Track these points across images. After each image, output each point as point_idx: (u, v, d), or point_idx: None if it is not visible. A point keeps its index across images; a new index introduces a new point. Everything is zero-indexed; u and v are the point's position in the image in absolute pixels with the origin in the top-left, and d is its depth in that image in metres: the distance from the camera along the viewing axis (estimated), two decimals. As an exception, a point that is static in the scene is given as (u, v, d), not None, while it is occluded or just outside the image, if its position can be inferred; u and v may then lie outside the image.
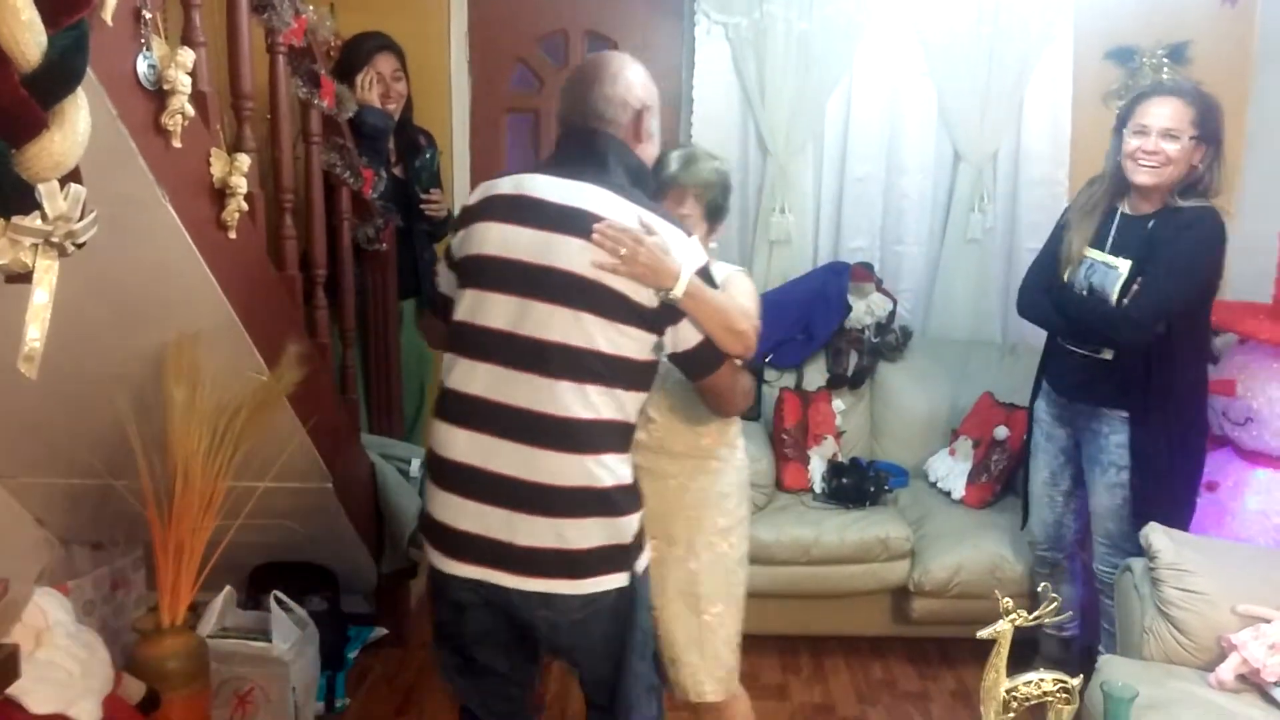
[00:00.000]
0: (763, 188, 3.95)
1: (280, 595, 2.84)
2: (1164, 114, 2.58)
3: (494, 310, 1.83)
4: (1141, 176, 2.62)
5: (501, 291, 1.83)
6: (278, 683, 2.71)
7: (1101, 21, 3.81)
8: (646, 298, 1.80)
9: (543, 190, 1.85)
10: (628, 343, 1.82)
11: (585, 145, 1.90)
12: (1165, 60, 3.81)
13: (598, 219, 1.79)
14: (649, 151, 1.99)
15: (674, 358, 1.92)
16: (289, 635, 2.76)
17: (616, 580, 1.87)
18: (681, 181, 2.12)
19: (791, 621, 3.41)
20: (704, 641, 2.23)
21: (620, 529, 1.86)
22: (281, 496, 2.59)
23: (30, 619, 2.10)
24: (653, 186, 2.02)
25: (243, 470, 2.40)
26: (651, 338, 1.85)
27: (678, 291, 1.80)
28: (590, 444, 1.82)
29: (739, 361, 1.98)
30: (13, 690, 1.93)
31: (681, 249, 1.84)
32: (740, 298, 2.03)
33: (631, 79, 1.93)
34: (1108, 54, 3.86)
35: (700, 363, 1.92)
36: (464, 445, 1.85)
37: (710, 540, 2.22)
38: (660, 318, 1.84)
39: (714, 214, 2.17)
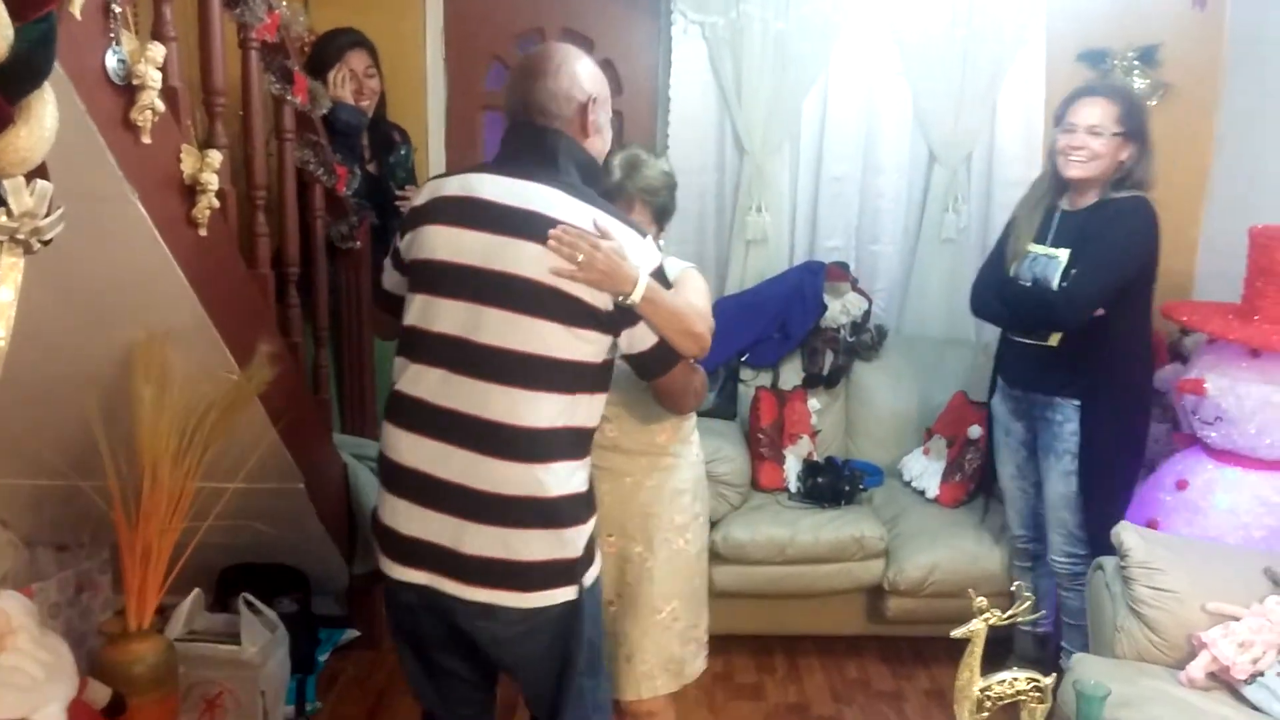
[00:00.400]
0: (739, 187, 3.95)
1: (249, 598, 2.81)
2: (1089, 112, 2.76)
3: (445, 316, 1.80)
4: (1071, 170, 2.79)
5: (452, 297, 1.79)
6: (247, 686, 2.68)
7: (1073, 24, 3.84)
8: (604, 302, 1.77)
9: (491, 191, 1.81)
10: (585, 347, 1.79)
11: (533, 142, 1.86)
12: (1136, 63, 3.85)
13: (552, 222, 1.75)
14: (598, 146, 1.94)
15: (629, 358, 1.91)
16: (258, 638, 2.72)
17: (563, 594, 1.83)
18: (628, 189, 2.11)
19: (766, 621, 3.42)
20: (659, 638, 2.23)
21: (567, 542, 1.82)
22: (252, 497, 2.55)
23: (-7, 623, 2.07)
24: (600, 180, 1.99)
25: (212, 470, 2.36)
26: (608, 339, 1.82)
27: (635, 296, 1.77)
28: (540, 452, 1.78)
29: (693, 360, 1.99)
30: (-25, 696, 1.89)
31: (637, 251, 1.81)
32: (693, 296, 2.02)
33: (576, 71, 1.88)
34: (1079, 56, 3.88)
35: (655, 363, 1.91)
36: (413, 450, 1.83)
37: (667, 537, 2.22)
38: (617, 321, 1.81)
39: (662, 215, 2.19)
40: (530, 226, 1.76)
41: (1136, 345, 2.87)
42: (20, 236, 1.38)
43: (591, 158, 1.92)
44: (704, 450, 3.25)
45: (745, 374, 3.83)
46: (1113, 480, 2.88)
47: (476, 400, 1.77)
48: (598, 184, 1.95)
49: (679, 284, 2.00)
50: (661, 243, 2.17)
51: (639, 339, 1.86)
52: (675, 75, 3.92)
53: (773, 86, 3.84)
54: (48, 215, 1.41)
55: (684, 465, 2.25)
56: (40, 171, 1.41)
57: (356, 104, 3.30)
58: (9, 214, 1.36)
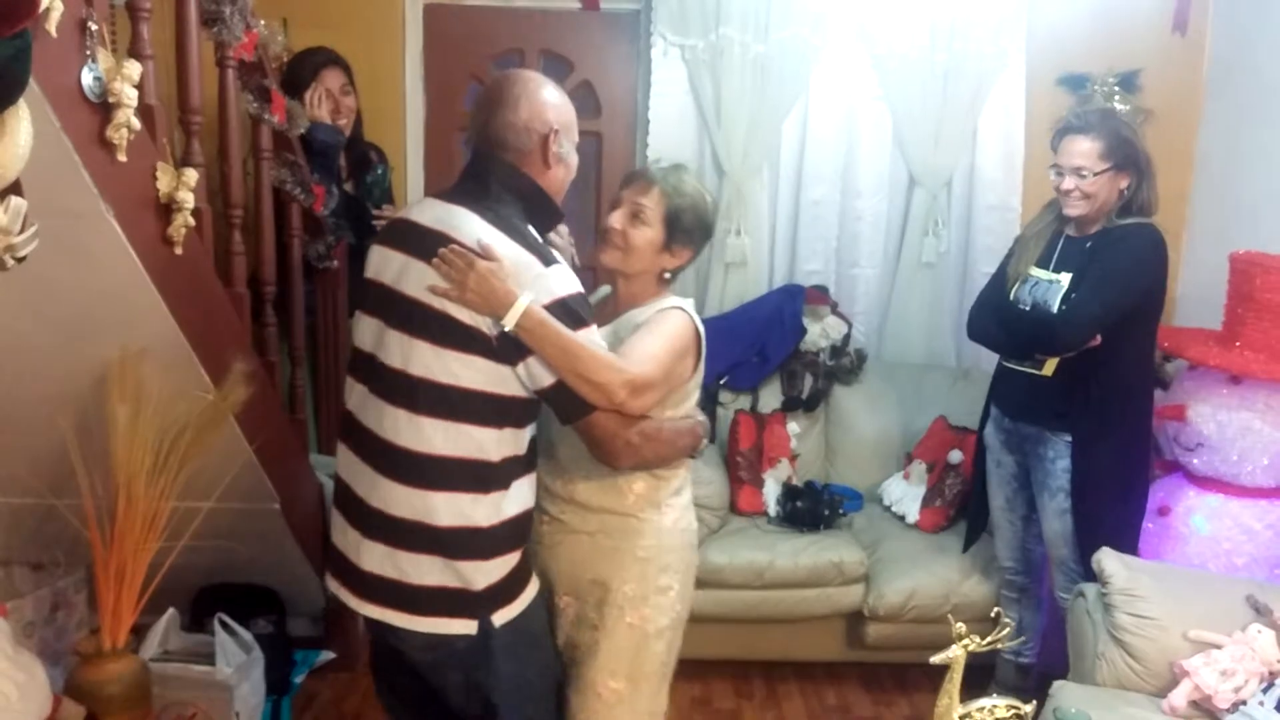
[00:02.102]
0: (718, 209, 3.93)
1: (225, 618, 2.78)
2: (1072, 152, 2.72)
3: (365, 333, 1.87)
4: (1069, 210, 2.77)
5: (370, 314, 1.87)
6: (221, 707, 2.65)
7: (1054, 48, 3.87)
8: (488, 326, 1.73)
9: (420, 215, 1.86)
10: (472, 374, 1.74)
11: (475, 170, 1.88)
12: (1116, 87, 3.88)
13: (448, 242, 1.74)
14: (559, 175, 1.91)
15: (538, 396, 1.80)
16: (234, 659, 2.70)
17: (460, 627, 1.81)
18: (653, 176, 2.00)
19: (744, 646, 3.40)
20: (595, 718, 2.03)
21: (462, 573, 1.79)
22: (227, 517, 2.53)
23: (-35, 642, 2.05)
24: (552, 211, 1.93)
25: (187, 490, 2.34)
26: (503, 369, 1.75)
27: (508, 322, 1.70)
28: (428, 479, 1.76)
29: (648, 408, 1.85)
30: (-56, 717, 1.87)
31: (529, 278, 1.73)
32: (647, 342, 1.87)
33: (537, 102, 1.85)
34: (1060, 80, 3.92)
35: (562, 406, 1.80)
36: (341, 461, 1.91)
37: (619, 608, 1.98)
38: (506, 349, 1.74)
39: (673, 227, 1.96)
40: (430, 246, 1.76)
41: (1135, 379, 2.80)
42: (-8, 254, 1.37)
43: (539, 188, 1.88)
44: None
45: (724, 397, 3.82)
46: (1111, 516, 2.79)
47: (376, 418, 1.81)
48: (547, 215, 1.91)
49: (647, 326, 1.92)
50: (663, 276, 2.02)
51: (536, 375, 1.76)
52: (654, 97, 3.93)
53: (752, 109, 3.85)
54: (22, 232, 1.40)
55: (651, 532, 1.99)
56: (15, 188, 1.40)
57: (333, 123, 3.28)
58: (-19, 231, 1.35)
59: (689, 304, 1.99)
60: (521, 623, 1.88)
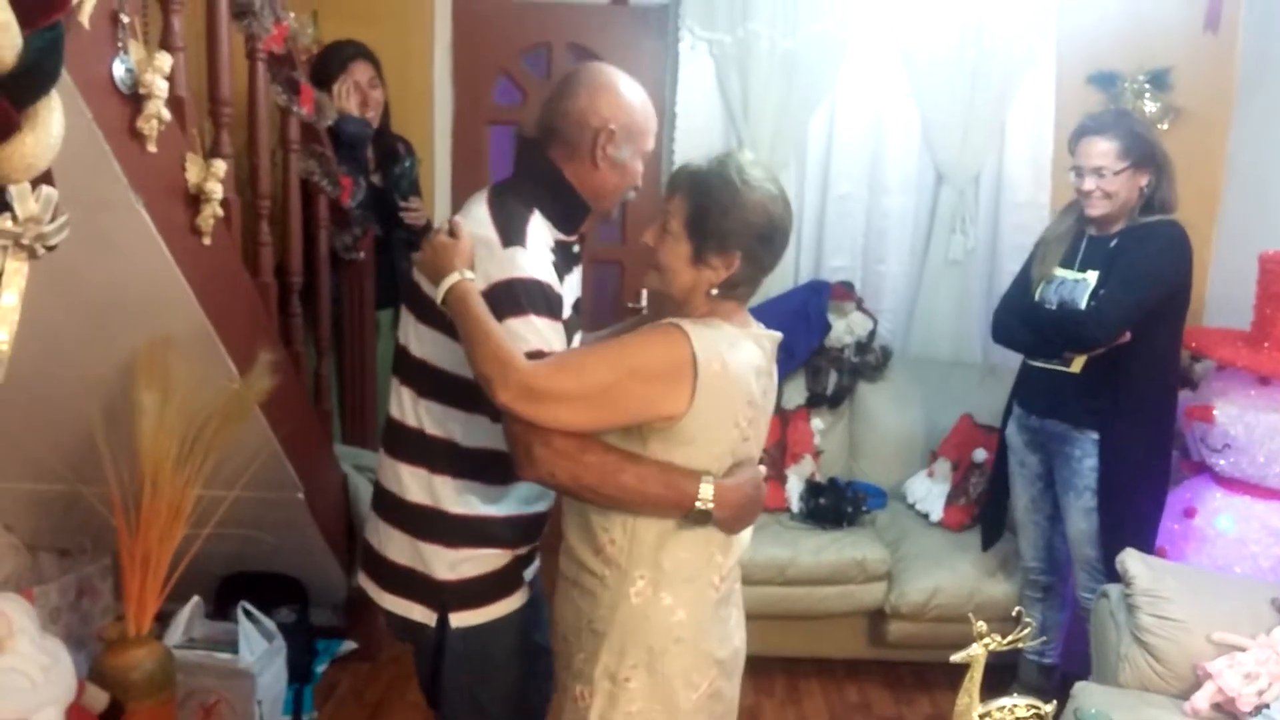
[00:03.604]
0: (780, 202, 3.92)
1: (248, 606, 2.81)
2: (1090, 153, 2.73)
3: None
4: (1090, 211, 2.78)
5: None
6: (244, 695, 2.67)
7: (1084, 46, 3.83)
8: (435, 295, 1.66)
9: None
10: (438, 351, 1.71)
11: (516, 154, 1.87)
12: (1147, 86, 3.84)
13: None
14: (606, 178, 1.78)
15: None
16: (256, 647, 2.73)
17: (420, 614, 1.77)
18: (677, 177, 1.72)
19: (765, 642, 3.37)
20: None
21: (424, 556, 1.75)
22: (252, 506, 2.55)
23: (-7, 625, 2.08)
24: (577, 206, 1.80)
25: (213, 478, 2.37)
26: (454, 345, 1.66)
27: (436, 295, 1.63)
28: (399, 449, 1.77)
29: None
30: (-27, 698, 1.90)
31: (482, 256, 1.65)
32: (579, 350, 1.74)
33: (602, 96, 1.76)
34: (1089, 79, 3.88)
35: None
36: None
37: (573, 675, 1.71)
38: (453, 327, 1.65)
39: (698, 233, 1.64)
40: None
41: (1161, 375, 2.81)
42: (25, 242, 1.38)
43: (563, 180, 1.77)
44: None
45: (749, 392, 3.81)
46: (1135, 514, 2.80)
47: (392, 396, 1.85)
48: (573, 210, 1.80)
49: (618, 337, 1.73)
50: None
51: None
52: (681, 92, 3.92)
53: (779, 104, 3.84)
54: (52, 221, 1.41)
55: (609, 602, 1.65)
56: (46, 178, 1.41)
57: (361, 115, 3.30)
58: (14, 219, 1.36)
59: (709, 330, 1.61)
60: (484, 636, 1.78)
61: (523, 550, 1.82)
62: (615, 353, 1.61)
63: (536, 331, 1.62)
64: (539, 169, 1.79)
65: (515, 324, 1.61)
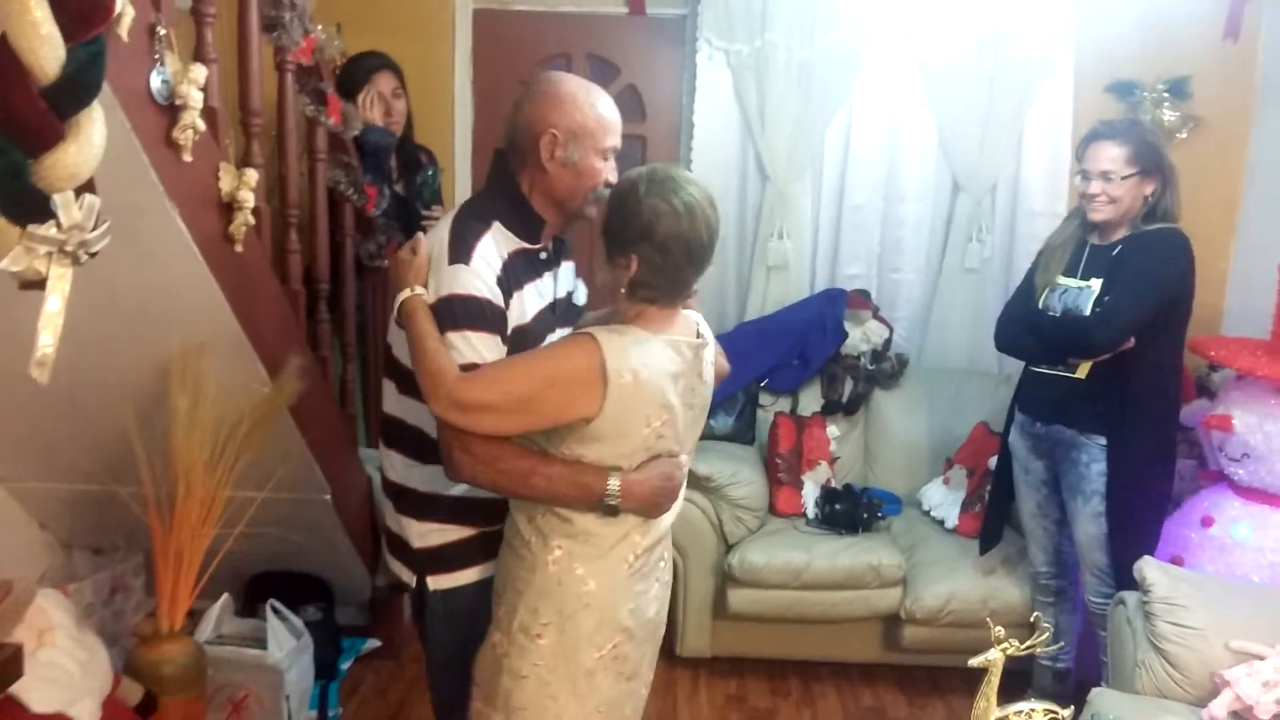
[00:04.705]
0: (761, 213, 3.98)
1: (277, 604, 2.86)
2: (1098, 158, 2.77)
3: None
4: (1094, 215, 2.82)
5: None
6: (272, 690, 2.72)
7: (1102, 55, 3.84)
8: None
9: None
10: (406, 351, 1.82)
11: (489, 167, 1.98)
12: (1166, 95, 3.85)
13: None
14: (559, 179, 1.87)
15: None
16: (284, 644, 2.78)
17: (405, 574, 2.01)
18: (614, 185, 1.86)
19: (781, 645, 3.43)
20: None
21: (403, 525, 1.98)
22: (280, 507, 2.60)
23: (33, 620, 2.14)
24: (527, 215, 1.90)
25: (243, 480, 2.42)
26: None
27: (394, 307, 1.82)
28: (389, 437, 1.99)
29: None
30: (15, 689, 1.96)
31: (434, 271, 1.79)
32: (504, 361, 1.78)
33: (545, 101, 1.86)
34: (1108, 87, 3.89)
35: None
36: None
37: (493, 625, 1.89)
38: None
39: (604, 237, 1.80)
40: None
41: (1166, 379, 2.84)
42: (68, 249, 1.43)
43: (516, 188, 1.90)
44: (722, 473, 3.36)
45: (764, 399, 3.85)
46: (1142, 518, 2.84)
47: None
48: (527, 219, 1.90)
49: (541, 346, 1.85)
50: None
51: None
52: (699, 101, 3.96)
53: (796, 114, 3.87)
54: (95, 229, 1.46)
55: (529, 566, 1.81)
56: (88, 186, 1.46)
57: (385, 125, 3.36)
58: (58, 227, 1.41)
59: (617, 336, 1.72)
60: (459, 598, 1.97)
61: (490, 528, 1.95)
62: (533, 363, 1.76)
63: (471, 345, 1.76)
64: (499, 180, 1.93)
65: (453, 337, 1.75)
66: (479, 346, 1.76)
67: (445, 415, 1.71)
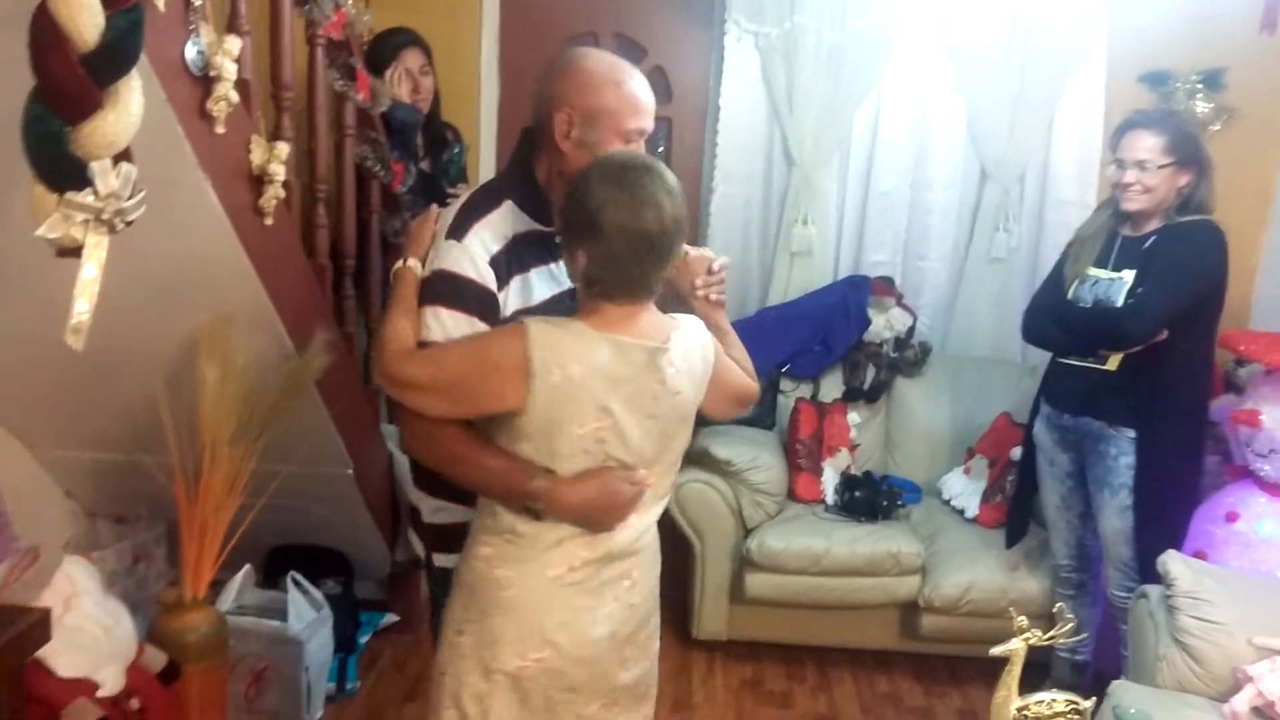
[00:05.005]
0: (786, 198, 3.95)
1: (297, 576, 2.88)
2: (1135, 146, 2.73)
3: None
4: (1127, 204, 2.78)
5: None
6: (292, 662, 2.75)
7: (1136, 44, 3.79)
8: None
9: None
10: None
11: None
12: (1199, 86, 3.80)
13: None
14: (572, 158, 1.77)
15: None
16: (305, 616, 2.80)
17: (418, 546, 2.01)
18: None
19: (797, 630, 3.43)
20: None
21: (417, 498, 1.96)
22: (303, 481, 2.62)
23: (60, 585, 2.17)
24: (531, 194, 1.85)
25: (267, 453, 2.43)
26: None
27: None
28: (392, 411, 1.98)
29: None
30: (42, 653, 1.97)
31: (434, 249, 1.78)
32: (446, 343, 1.73)
33: (562, 75, 1.78)
34: (1141, 78, 3.84)
35: None
36: None
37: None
38: None
39: (563, 227, 1.69)
40: None
41: (1197, 373, 2.82)
42: (105, 217, 1.44)
43: (531, 174, 1.84)
44: (742, 458, 3.36)
45: (785, 385, 3.84)
46: (1170, 512, 2.82)
47: None
48: (533, 197, 1.83)
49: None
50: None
51: None
52: (726, 84, 3.93)
53: (824, 98, 3.84)
54: (131, 198, 1.47)
55: (466, 556, 1.76)
56: (125, 155, 1.47)
57: (412, 102, 3.35)
58: (95, 195, 1.42)
59: (553, 330, 1.62)
60: (449, 577, 1.87)
61: None
62: (467, 348, 1.70)
63: (440, 322, 1.72)
64: (517, 159, 1.88)
65: (426, 312, 1.73)
66: (448, 324, 1.72)
67: (387, 390, 1.74)
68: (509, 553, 1.70)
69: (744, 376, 1.89)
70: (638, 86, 1.79)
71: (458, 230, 1.75)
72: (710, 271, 1.90)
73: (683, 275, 1.88)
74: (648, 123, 1.80)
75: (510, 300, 1.78)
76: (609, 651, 1.75)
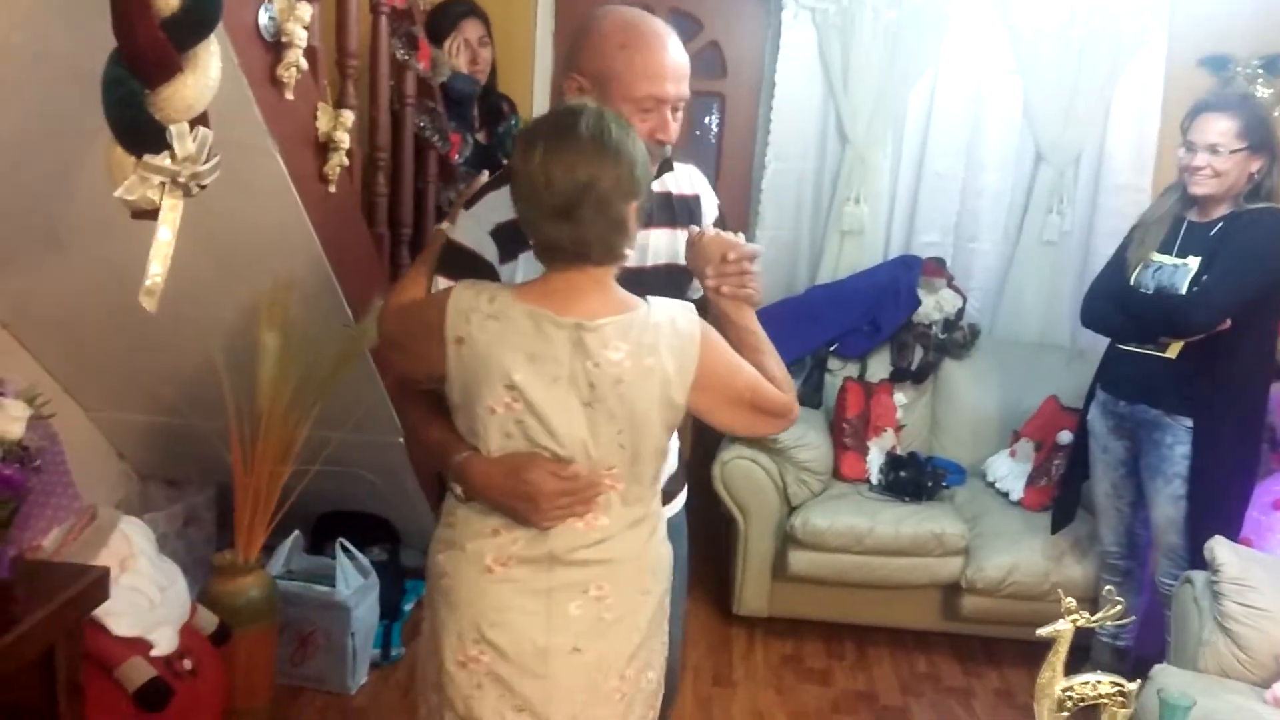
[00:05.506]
0: (839, 177, 3.93)
1: (345, 543, 2.92)
2: (1208, 129, 2.68)
3: None
4: (1196, 189, 2.73)
5: None
6: (339, 626, 2.79)
7: (1197, 28, 3.73)
8: None
9: None
10: None
11: None
12: (1260, 71, 3.74)
13: None
14: None
15: None
16: (352, 581, 2.84)
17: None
18: None
19: (839, 608, 3.44)
20: None
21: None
22: (354, 448, 2.65)
23: (116, 546, 2.20)
24: None
25: (320, 420, 2.46)
26: None
27: None
28: None
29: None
30: (98, 612, 2.00)
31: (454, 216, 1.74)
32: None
33: (581, 40, 1.70)
34: (1201, 61, 3.79)
35: None
36: None
37: None
38: None
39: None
40: None
41: (1258, 364, 2.77)
42: (181, 180, 1.47)
43: None
44: (788, 435, 3.33)
45: (833, 364, 3.83)
46: (1224, 503, 2.78)
47: None
48: None
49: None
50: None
51: None
52: (782, 60, 3.90)
53: (880, 76, 3.81)
54: (207, 162, 1.50)
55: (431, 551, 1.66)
56: (202, 119, 1.50)
57: (470, 73, 3.36)
58: (173, 158, 1.45)
59: (474, 294, 1.50)
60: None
61: None
62: (412, 307, 1.62)
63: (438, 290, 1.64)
64: None
65: (436, 281, 1.64)
66: (427, 286, 1.68)
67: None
68: (445, 536, 1.60)
69: (758, 380, 1.58)
70: (662, 48, 1.63)
71: (473, 200, 1.69)
72: (725, 260, 1.62)
73: (697, 261, 1.66)
74: (668, 89, 1.62)
75: (519, 274, 1.65)
76: (577, 673, 1.56)
